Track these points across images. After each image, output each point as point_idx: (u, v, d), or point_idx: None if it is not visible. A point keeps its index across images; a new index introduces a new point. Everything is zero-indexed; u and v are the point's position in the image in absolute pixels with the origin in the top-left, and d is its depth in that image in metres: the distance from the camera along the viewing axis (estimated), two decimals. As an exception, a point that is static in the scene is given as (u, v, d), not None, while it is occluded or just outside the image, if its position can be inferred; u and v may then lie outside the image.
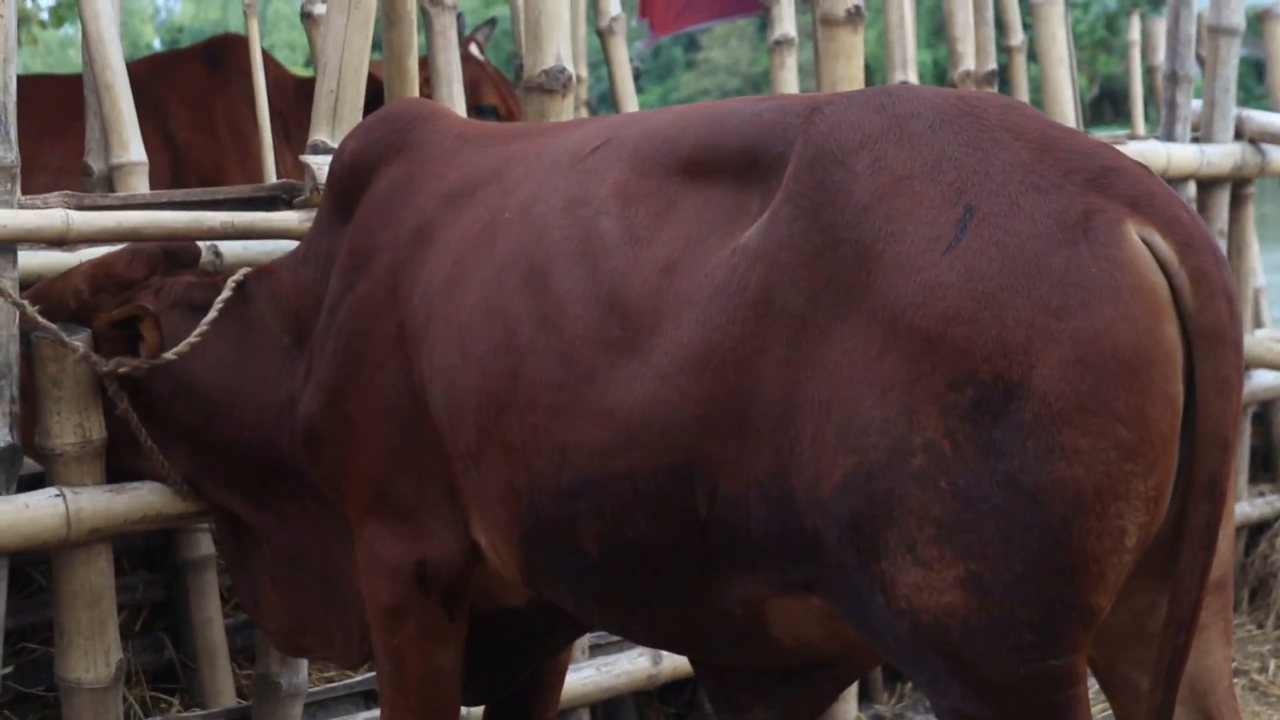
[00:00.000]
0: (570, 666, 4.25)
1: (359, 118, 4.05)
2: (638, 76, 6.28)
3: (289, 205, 4.01)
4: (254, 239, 3.92)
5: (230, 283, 3.60)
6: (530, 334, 2.93)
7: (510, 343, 2.96)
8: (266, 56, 5.95)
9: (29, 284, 3.69)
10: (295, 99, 6.24)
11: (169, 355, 3.49)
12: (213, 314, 3.53)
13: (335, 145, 3.99)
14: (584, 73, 7.80)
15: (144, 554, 4.47)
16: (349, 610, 3.49)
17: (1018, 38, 6.40)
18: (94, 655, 3.73)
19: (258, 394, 3.50)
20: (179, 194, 3.98)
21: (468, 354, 3.03)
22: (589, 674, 4.41)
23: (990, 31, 5.71)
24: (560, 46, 4.22)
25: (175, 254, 3.74)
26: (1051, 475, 2.41)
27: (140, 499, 3.68)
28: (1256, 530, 5.99)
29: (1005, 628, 2.47)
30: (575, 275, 2.90)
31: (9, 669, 4.25)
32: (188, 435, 3.59)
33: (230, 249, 3.91)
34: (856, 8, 4.68)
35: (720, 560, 2.77)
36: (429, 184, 3.30)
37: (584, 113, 7.97)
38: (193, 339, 3.50)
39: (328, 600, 3.54)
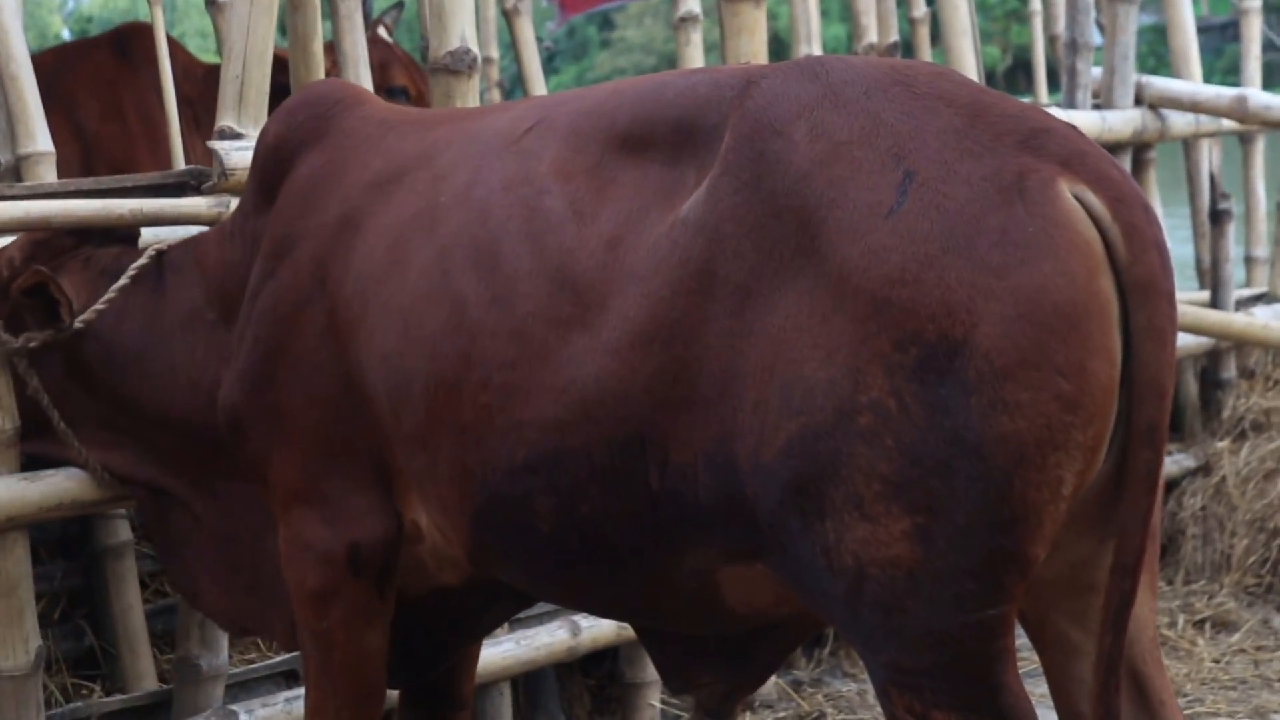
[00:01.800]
0: (490, 640, 4.29)
1: (264, 103, 4.06)
2: (552, 57, 6.33)
3: (198, 191, 4.01)
4: (163, 225, 3.92)
5: (151, 250, 3.59)
6: (481, 314, 2.93)
7: (460, 324, 2.96)
8: (174, 44, 5.92)
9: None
10: (205, 86, 6.20)
11: (77, 323, 3.48)
12: (124, 280, 3.52)
13: (241, 130, 4.01)
14: (495, 54, 7.81)
15: (61, 542, 4.47)
16: (284, 593, 3.46)
17: (921, 9, 6.45)
18: (13, 643, 3.75)
19: (187, 366, 3.49)
20: (87, 182, 3.97)
21: (412, 338, 3.03)
22: (508, 647, 4.44)
23: (892, 4, 5.76)
24: (465, 27, 4.25)
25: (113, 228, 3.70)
26: (995, 429, 2.46)
27: (55, 486, 3.70)
28: (1165, 489, 6.07)
29: (949, 578, 2.52)
30: (523, 254, 2.91)
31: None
32: (123, 409, 3.57)
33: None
34: (758, -17, 4.73)
35: (672, 531, 2.80)
36: (352, 172, 3.29)
37: (496, 94, 7.97)
38: (99, 305, 3.50)
39: (261, 584, 3.53)
